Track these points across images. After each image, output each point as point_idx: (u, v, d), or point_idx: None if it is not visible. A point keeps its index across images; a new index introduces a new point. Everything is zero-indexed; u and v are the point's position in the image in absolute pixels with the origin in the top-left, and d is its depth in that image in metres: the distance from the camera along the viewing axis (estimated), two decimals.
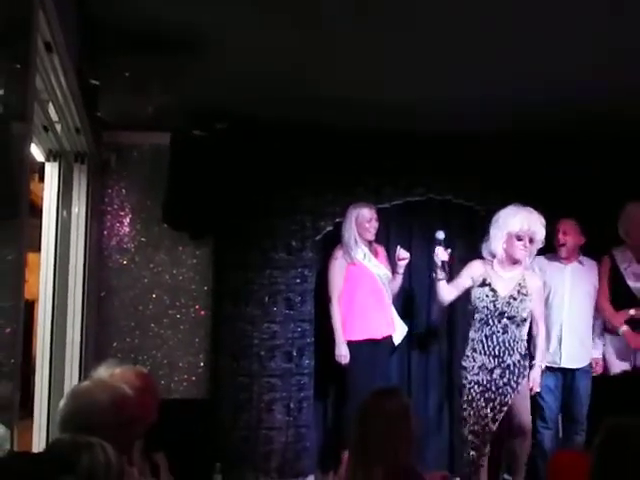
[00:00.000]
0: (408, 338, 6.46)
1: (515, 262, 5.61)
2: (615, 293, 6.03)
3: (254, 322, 6.30)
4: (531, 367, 5.58)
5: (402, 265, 6.21)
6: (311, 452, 6.35)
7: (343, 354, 6.02)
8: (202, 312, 6.43)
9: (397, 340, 6.31)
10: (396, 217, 6.66)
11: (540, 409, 5.98)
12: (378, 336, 6.10)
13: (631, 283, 6.01)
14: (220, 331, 6.33)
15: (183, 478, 3.54)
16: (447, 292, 5.74)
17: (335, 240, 6.30)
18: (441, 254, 5.68)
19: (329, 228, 6.44)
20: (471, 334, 5.61)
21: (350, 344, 6.04)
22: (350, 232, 6.12)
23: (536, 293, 5.64)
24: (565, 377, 6.05)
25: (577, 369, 6.01)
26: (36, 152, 4.92)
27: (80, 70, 4.26)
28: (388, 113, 5.79)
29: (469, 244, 6.47)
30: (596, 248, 6.13)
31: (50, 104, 4.24)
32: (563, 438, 6.03)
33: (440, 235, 5.75)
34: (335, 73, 5.13)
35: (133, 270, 6.39)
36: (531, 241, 5.57)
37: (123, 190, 6.42)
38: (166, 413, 3.49)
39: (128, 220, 6.41)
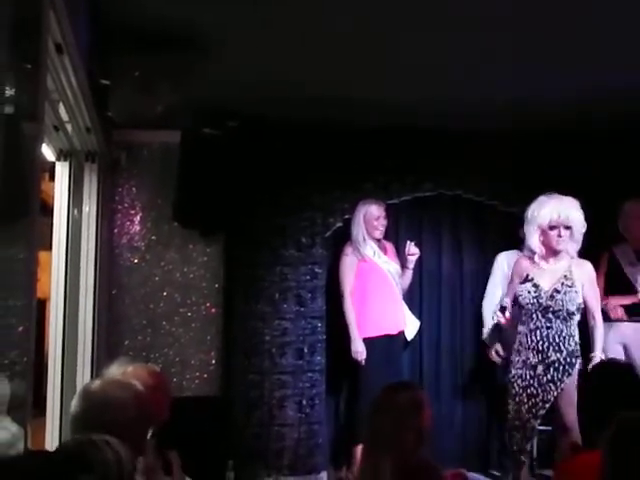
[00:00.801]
0: (420, 333, 6.47)
1: (557, 253, 5.34)
2: (613, 283, 6.03)
3: (265, 319, 6.31)
4: (590, 359, 5.30)
5: (412, 260, 6.23)
6: (323, 449, 6.36)
7: (359, 350, 6.02)
8: (213, 310, 6.43)
9: (410, 336, 6.32)
10: (406, 212, 6.66)
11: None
12: (392, 331, 6.12)
13: (629, 274, 6.05)
14: (231, 328, 6.34)
15: (196, 476, 3.53)
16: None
17: (345, 236, 6.31)
18: (502, 318, 5.49)
19: (339, 224, 6.45)
20: (518, 327, 5.40)
21: (364, 340, 6.05)
22: (358, 229, 6.15)
23: (587, 282, 5.37)
24: None
25: None
26: (47, 151, 4.94)
27: (90, 70, 4.27)
28: (394, 110, 5.81)
29: (479, 239, 6.48)
30: (597, 247, 6.02)
31: (61, 104, 4.26)
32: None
33: (505, 303, 5.50)
34: (341, 72, 5.14)
35: (144, 268, 6.40)
36: (568, 228, 5.28)
37: (133, 189, 6.42)
38: (178, 411, 3.50)
39: (139, 218, 6.42)
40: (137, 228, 6.41)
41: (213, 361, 6.39)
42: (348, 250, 6.20)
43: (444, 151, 6.40)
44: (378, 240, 6.22)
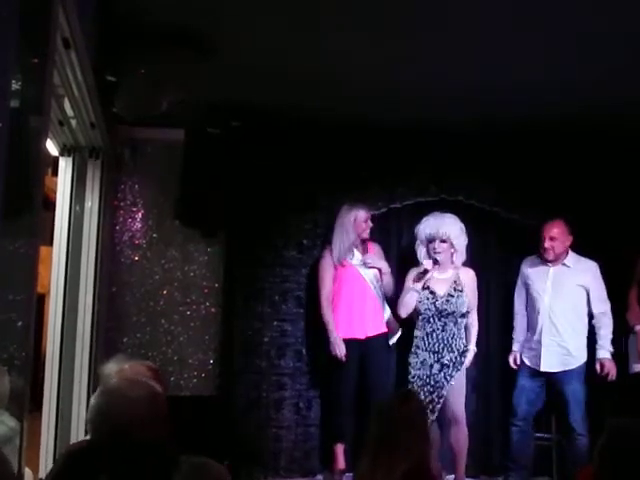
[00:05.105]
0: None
1: (441, 263, 6.00)
2: None
3: (264, 320, 6.31)
4: (467, 351, 5.95)
5: (382, 267, 6.22)
6: (320, 451, 6.34)
7: (339, 350, 5.98)
8: (213, 309, 6.42)
9: (392, 340, 6.26)
10: (408, 217, 6.63)
11: (512, 405, 6.07)
12: (361, 336, 6.06)
13: None
14: (230, 328, 6.32)
15: None
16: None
17: None
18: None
19: None
20: (415, 332, 6.00)
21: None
22: (347, 234, 6.07)
23: (469, 287, 6.02)
24: (549, 381, 5.98)
25: (559, 373, 5.93)
26: (50, 146, 4.94)
27: (97, 66, 4.27)
28: (403, 113, 5.81)
29: (480, 244, 6.47)
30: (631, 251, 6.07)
31: (66, 99, 4.26)
32: (566, 445, 5.97)
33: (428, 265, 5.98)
34: (349, 72, 5.14)
35: (145, 266, 6.39)
36: (443, 241, 5.97)
37: (136, 186, 6.42)
38: (175, 410, 3.48)
39: (140, 216, 6.41)
40: (139, 225, 6.40)
41: (211, 361, 6.37)
42: (326, 254, 6.16)
43: (451, 156, 6.40)
44: (362, 241, 6.18)
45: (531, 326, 6.08)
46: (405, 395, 3.62)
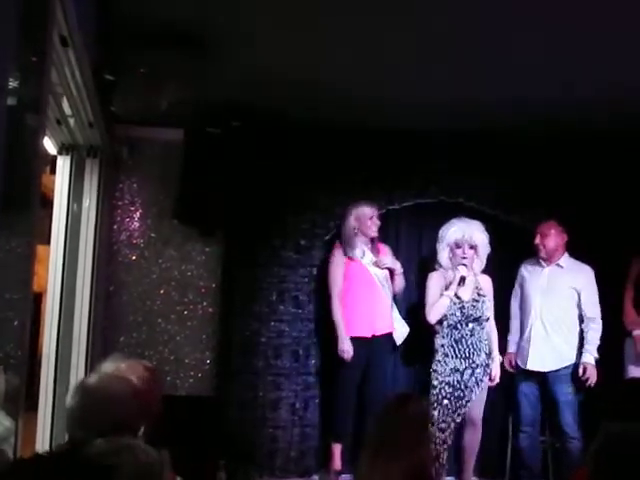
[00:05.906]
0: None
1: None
2: None
3: (262, 320, 6.30)
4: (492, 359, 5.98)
5: (397, 267, 6.21)
6: (316, 451, 6.34)
7: (346, 349, 5.98)
8: (210, 309, 6.42)
9: (399, 340, 6.27)
10: (407, 218, 6.64)
11: (516, 410, 6.08)
12: (368, 334, 6.05)
13: None
14: (227, 328, 6.32)
15: (187, 475, 3.52)
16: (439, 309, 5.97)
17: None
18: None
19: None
20: (440, 340, 5.93)
21: None
22: (350, 230, 6.09)
23: (489, 292, 6.05)
24: (541, 383, 5.99)
25: (549, 373, 5.94)
26: (49, 145, 4.93)
27: (95, 64, 4.26)
28: (402, 113, 5.81)
29: None
30: (625, 253, 6.08)
31: (64, 98, 4.25)
32: (560, 448, 5.95)
33: (464, 272, 5.95)
34: (349, 72, 5.13)
35: (142, 265, 6.38)
36: (471, 247, 5.97)
37: (134, 185, 6.42)
38: (171, 409, 3.48)
39: (138, 215, 6.41)
40: (137, 225, 6.40)
41: (208, 360, 6.37)
42: (337, 251, 6.17)
43: (449, 157, 6.38)
44: (371, 240, 6.17)
45: (523, 326, 6.11)
46: (405, 397, 3.63)
